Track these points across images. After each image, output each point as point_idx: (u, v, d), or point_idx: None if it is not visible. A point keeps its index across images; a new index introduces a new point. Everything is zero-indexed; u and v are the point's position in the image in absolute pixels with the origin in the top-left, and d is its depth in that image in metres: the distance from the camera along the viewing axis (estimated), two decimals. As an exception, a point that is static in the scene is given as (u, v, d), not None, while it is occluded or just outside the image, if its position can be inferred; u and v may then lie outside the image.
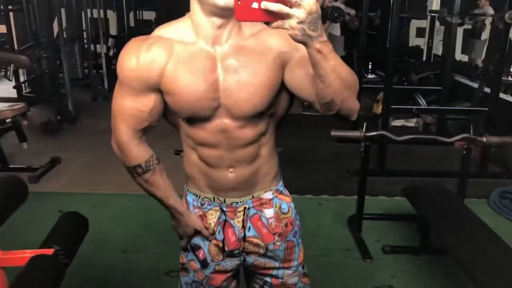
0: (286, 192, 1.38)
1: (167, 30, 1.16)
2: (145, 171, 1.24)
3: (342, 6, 5.65)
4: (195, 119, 1.19)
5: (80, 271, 2.35)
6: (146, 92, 1.16)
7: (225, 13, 1.07)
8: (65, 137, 5.01)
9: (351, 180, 3.72)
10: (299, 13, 0.87)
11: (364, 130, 2.85)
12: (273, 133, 1.29)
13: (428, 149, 4.32)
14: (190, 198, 1.34)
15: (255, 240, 1.32)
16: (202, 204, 1.32)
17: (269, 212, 1.32)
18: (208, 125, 1.19)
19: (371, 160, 3.23)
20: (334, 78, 0.99)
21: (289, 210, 1.36)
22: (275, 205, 1.33)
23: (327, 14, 4.90)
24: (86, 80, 6.78)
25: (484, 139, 2.78)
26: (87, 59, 6.86)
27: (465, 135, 2.80)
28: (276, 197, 1.34)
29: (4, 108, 3.87)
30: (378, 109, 5.05)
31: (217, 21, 1.09)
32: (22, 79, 5.84)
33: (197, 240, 1.34)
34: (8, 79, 4.03)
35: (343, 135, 2.93)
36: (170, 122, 1.30)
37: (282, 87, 1.19)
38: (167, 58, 1.12)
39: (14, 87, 5.46)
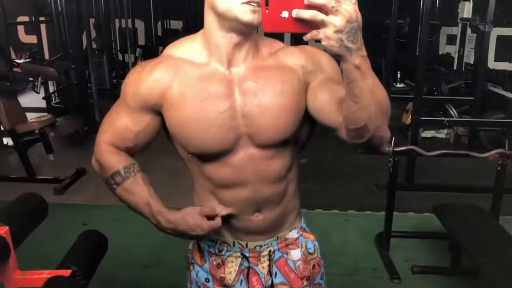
0: (308, 229, 1.26)
1: (178, 49, 1.05)
2: (124, 178, 1.08)
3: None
4: (210, 155, 1.05)
5: (100, 288, 2.34)
6: (141, 113, 1.05)
7: (245, 30, 0.96)
8: (91, 148, 5.04)
9: (379, 194, 3.61)
10: (336, 21, 0.74)
11: (392, 144, 2.75)
12: (296, 165, 1.16)
13: (460, 161, 4.16)
14: (204, 244, 1.19)
15: (284, 287, 1.19)
16: (220, 251, 1.17)
17: (295, 254, 1.20)
18: (231, 159, 1.04)
19: (400, 173, 3.12)
20: (370, 100, 0.85)
21: (315, 250, 1.24)
22: (301, 245, 1.21)
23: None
24: (114, 90, 6.86)
25: (520, 154, 2.64)
26: (116, 69, 6.94)
27: (500, 150, 2.66)
28: (301, 235, 1.22)
29: (31, 120, 3.93)
30: (407, 119, 4.91)
31: (235, 38, 0.97)
32: (51, 89, 5.95)
33: None
34: (36, 91, 4.08)
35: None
36: (181, 157, 1.15)
37: (305, 111, 1.05)
38: (171, 79, 1.01)
39: (43, 98, 5.56)
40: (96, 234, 1.96)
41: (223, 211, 1.09)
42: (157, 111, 1.04)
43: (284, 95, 1.01)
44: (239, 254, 1.16)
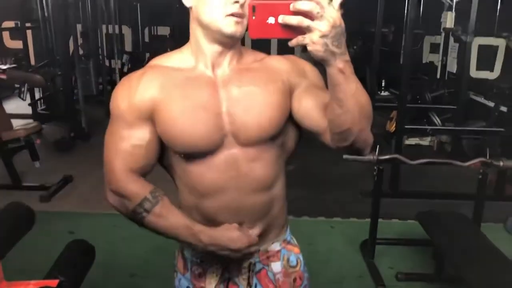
0: (294, 241, 1.27)
1: (165, 59, 1.10)
2: (154, 204, 1.05)
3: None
4: (195, 153, 1.06)
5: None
6: (140, 124, 1.05)
7: (228, 41, 1.01)
8: (78, 154, 5.02)
9: (364, 201, 3.65)
10: (321, 26, 0.79)
11: (376, 153, 2.80)
12: (284, 176, 1.17)
13: (443, 168, 4.22)
14: (187, 253, 1.20)
15: None
16: (202, 261, 1.18)
17: (276, 267, 1.20)
18: (213, 160, 1.05)
19: (384, 181, 3.17)
20: (353, 104, 0.90)
21: (297, 263, 1.24)
22: (282, 257, 1.21)
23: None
24: (101, 96, 6.82)
25: (501, 163, 2.70)
26: (102, 75, 6.90)
27: (481, 159, 2.72)
28: (284, 248, 1.22)
29: (17, 127, 3.91)
30: (391, 127, 4.97)
31: (219, 49, 1.03)
32: (37, 96, 5.90)
33: None
34: (21, 98, 4.05)
35: (355, 158, 2.87)
36: (165, 167, 1.17)
37: (290, 116, 1.09)
38: (159, 85, 1.04)
39: (29, 104, 5.51)
40: (83, 243, 1.97)
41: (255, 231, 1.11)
42: (151, 118, 1.06)
43: (268, 92, 1.05)
44: (219, 265, 1.17)
